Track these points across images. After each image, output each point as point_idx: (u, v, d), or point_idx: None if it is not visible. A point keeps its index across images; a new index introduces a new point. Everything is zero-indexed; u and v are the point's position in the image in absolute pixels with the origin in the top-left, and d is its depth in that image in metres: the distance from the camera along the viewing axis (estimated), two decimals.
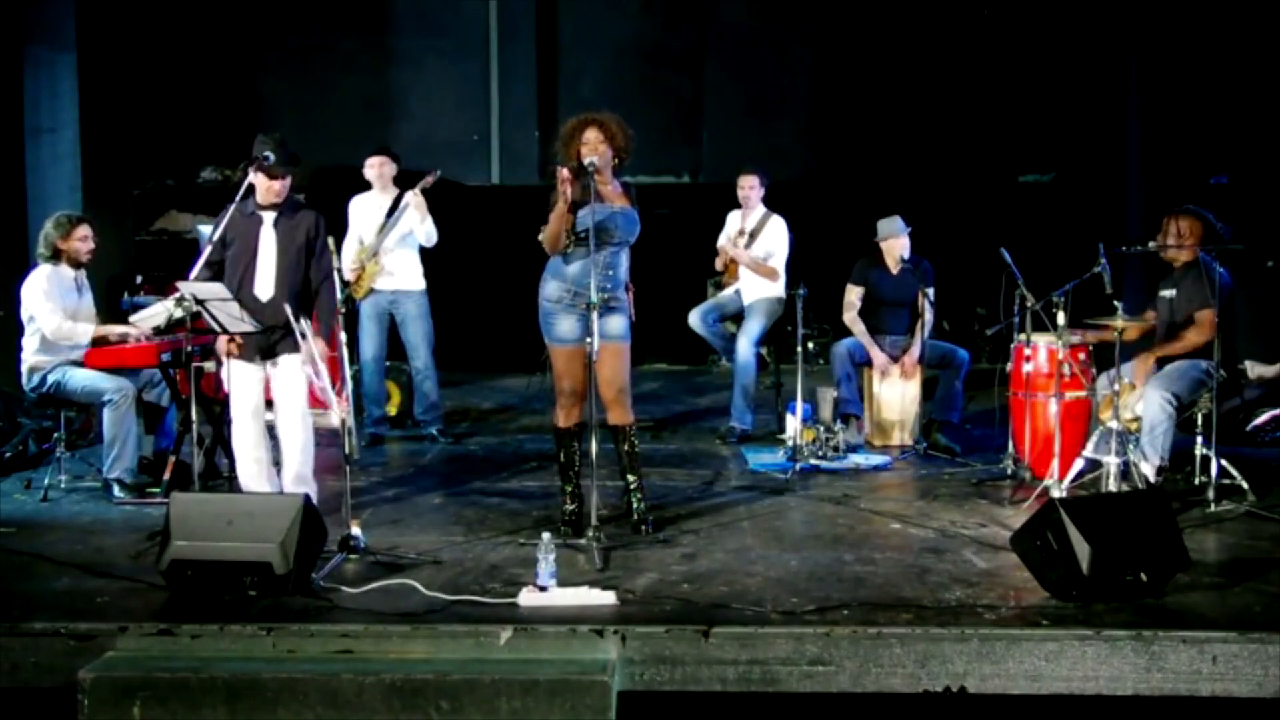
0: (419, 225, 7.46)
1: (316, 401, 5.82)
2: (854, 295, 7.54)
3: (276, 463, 5.79)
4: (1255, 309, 7.77)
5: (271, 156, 5.50)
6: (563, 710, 3.96)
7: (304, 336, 5.37)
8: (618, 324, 5.33)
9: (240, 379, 5.66)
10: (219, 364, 5.83)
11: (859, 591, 4.62)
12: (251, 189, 5.65)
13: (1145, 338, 6.53)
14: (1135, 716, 4.13)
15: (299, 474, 5.70)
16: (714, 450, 7.44)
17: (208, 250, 5.58)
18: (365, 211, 7.62)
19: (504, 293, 7.60)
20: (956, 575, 4.83)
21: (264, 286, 5.60)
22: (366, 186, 7.68)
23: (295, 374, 5.67)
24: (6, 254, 8.18)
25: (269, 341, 5.61)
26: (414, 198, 7.40)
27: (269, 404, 5.81)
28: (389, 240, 7.47)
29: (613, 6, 11.00)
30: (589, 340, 5.13)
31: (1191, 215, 6.36)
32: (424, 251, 7.60)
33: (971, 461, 6.90)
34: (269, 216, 5.62)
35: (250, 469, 5.70)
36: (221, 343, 5.60)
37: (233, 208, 5.55)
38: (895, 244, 7.43)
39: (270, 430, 5.80)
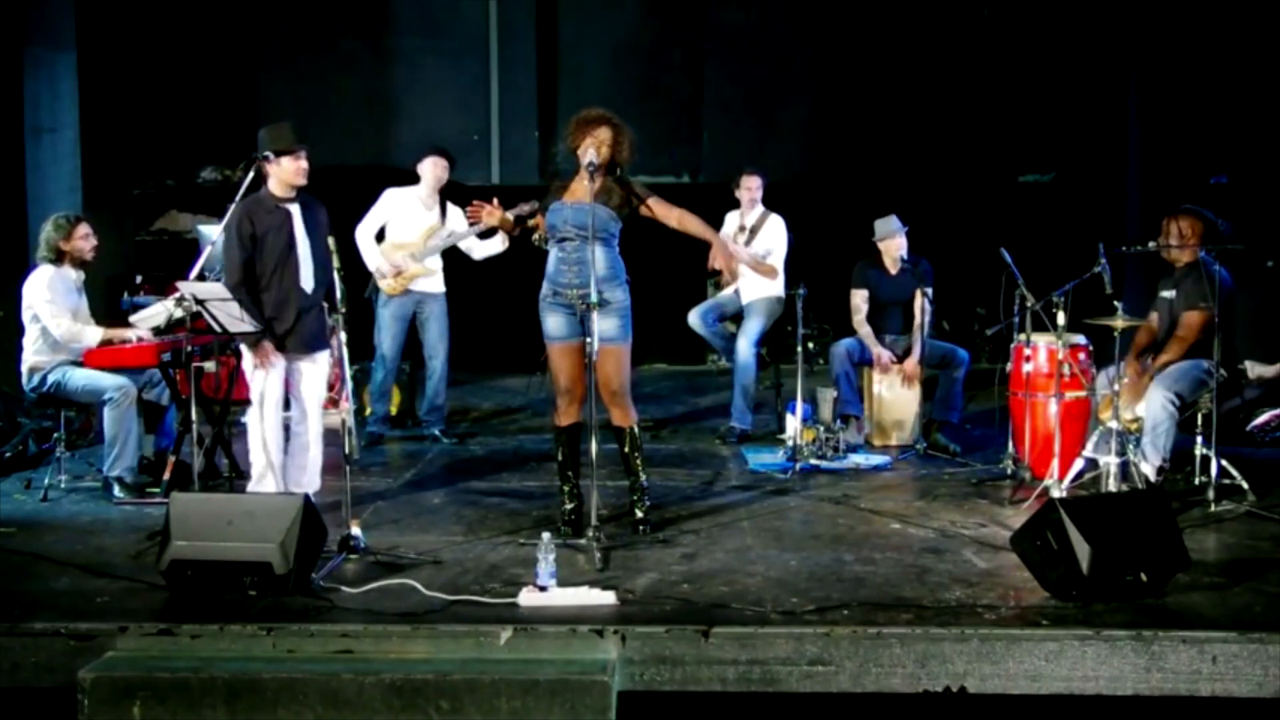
0: (494, 245, 7.43)
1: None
2: (859, 299, 7.52)
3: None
4: (1255, 309, 7.76)
5: (276, 141, 5.57)
6: (563, 710, 3.96)
7: (334, 328, 5.40)
8: (606, 324, 5.29)
9: (270, 375, 5.67)
10: (238, 359, 5.85)
11: (859, 591, 4.62)
12: (258, 184, 5.66)
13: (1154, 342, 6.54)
14: (1135, 716, 4.13)
15: (318, 467, 5.81)
16: (714, 450, 7.44)
17: (239, 252, 5.55)
18: (409, 210, 7.49)
19: (504, 293, 7.60)
20: (956, 575, 4.83)
21: (306, 278, 5.66)
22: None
23: (324, 370, 5.79)
24: (6, 254, 8.19)
25: (312, 334, 5.65)
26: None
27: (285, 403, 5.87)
28: (441, 247, 7.47)
29: (613, 7, 11.00)
30: (588, 340, 5.16)
31: (1192, 215, 6.36)
32: None
33: (971, 461, 6.91)
34: (294, 208, 5.64)
35: (272, 465, 5.72)
36: (266, 355, 5.58)
37: (260, 200, 5.56)
38: (892, 244, 7.44)
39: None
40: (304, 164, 5.62)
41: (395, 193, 7.56)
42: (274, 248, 5.59)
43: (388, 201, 7.53)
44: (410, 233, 7.48)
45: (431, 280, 7.54)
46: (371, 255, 7.41)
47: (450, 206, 7.60)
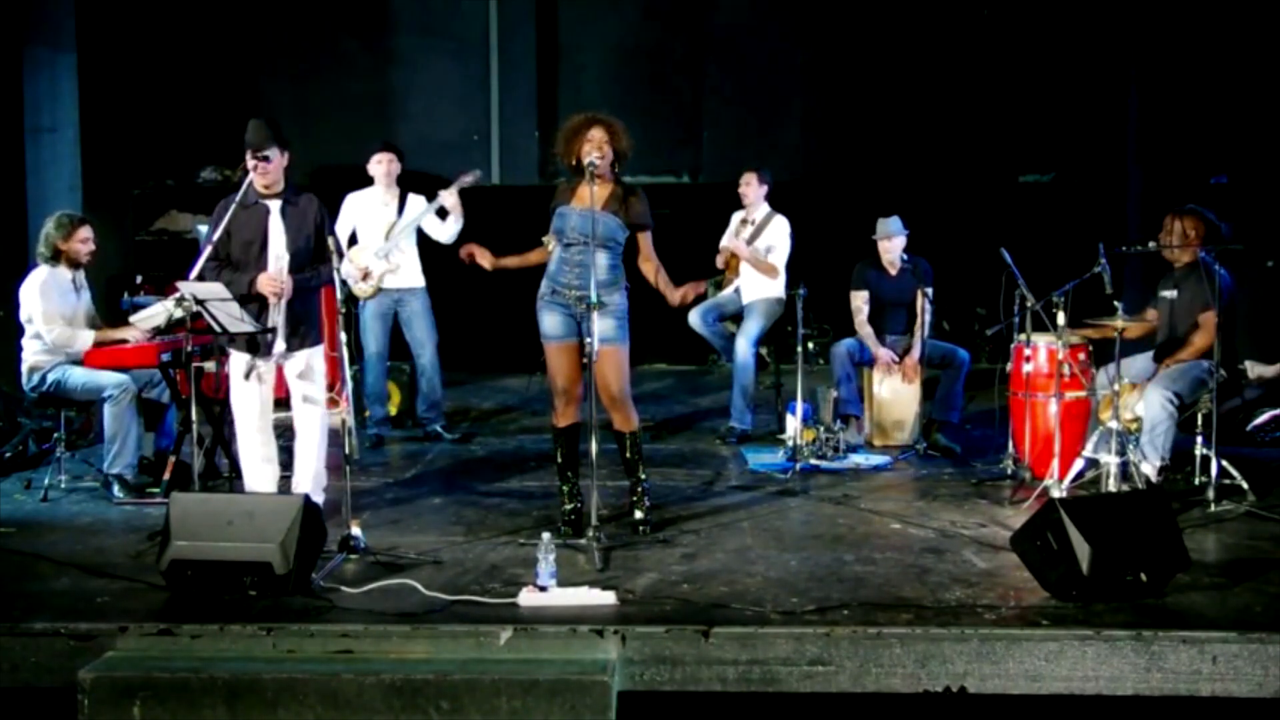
0: (451, 225, 7.49)
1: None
2: (860, 300, 7.53)
3: (284, 465, 5.80)
4: (1255, 309, 7.76)
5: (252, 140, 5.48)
6: (563, 710, 3.96)
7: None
8: (603, 325, 5.26)
9: (247, 381, 5.60)
10: (222, 363, 5.81)
11: (859, 591, 4.62)
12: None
13: (1147, 337, 6.54)
14: (1135, 716, 4.13)
15: (317, 470, 5.71)
16: (714, 450, 7.44)
17: (210, 245, 5.51)
18: (368, 210, 7.57)
19: (503, 293, 7.58)
20: (956, 575, 4.83)
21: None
22: (366, 184, 7.65)
23: (318, 366, 5.67)
24: (6, 254, 8.18)
25: (291, 330, 5.59)
26: (451, 198, 7.41)
27: (278, 403, 5.80)
28: (402, 240, 7.48)
29: (613, 7, 10.99)
30: (587, 340, 5.16)
31: (1195, 215, 6.36)
32: (423, 250, 7.61)
33: (971, 461, 6.91)
34: (274, 204, 5.59)
35: (262, 474, 5.66)
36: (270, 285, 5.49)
37: (237, 198, 5.51)
38: (889, 244, 7.44)
39: (278, 427, 5.80)
40: (259, 166, 5.43)
41: (354, 197, 7.65)
42: (244, 244, 5.53)
43: (349, 207, 7.61)
44: (373, 233, 7.53)
45: (405, 276, 7.55)
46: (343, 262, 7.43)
47: (410, 197, 7.63)
